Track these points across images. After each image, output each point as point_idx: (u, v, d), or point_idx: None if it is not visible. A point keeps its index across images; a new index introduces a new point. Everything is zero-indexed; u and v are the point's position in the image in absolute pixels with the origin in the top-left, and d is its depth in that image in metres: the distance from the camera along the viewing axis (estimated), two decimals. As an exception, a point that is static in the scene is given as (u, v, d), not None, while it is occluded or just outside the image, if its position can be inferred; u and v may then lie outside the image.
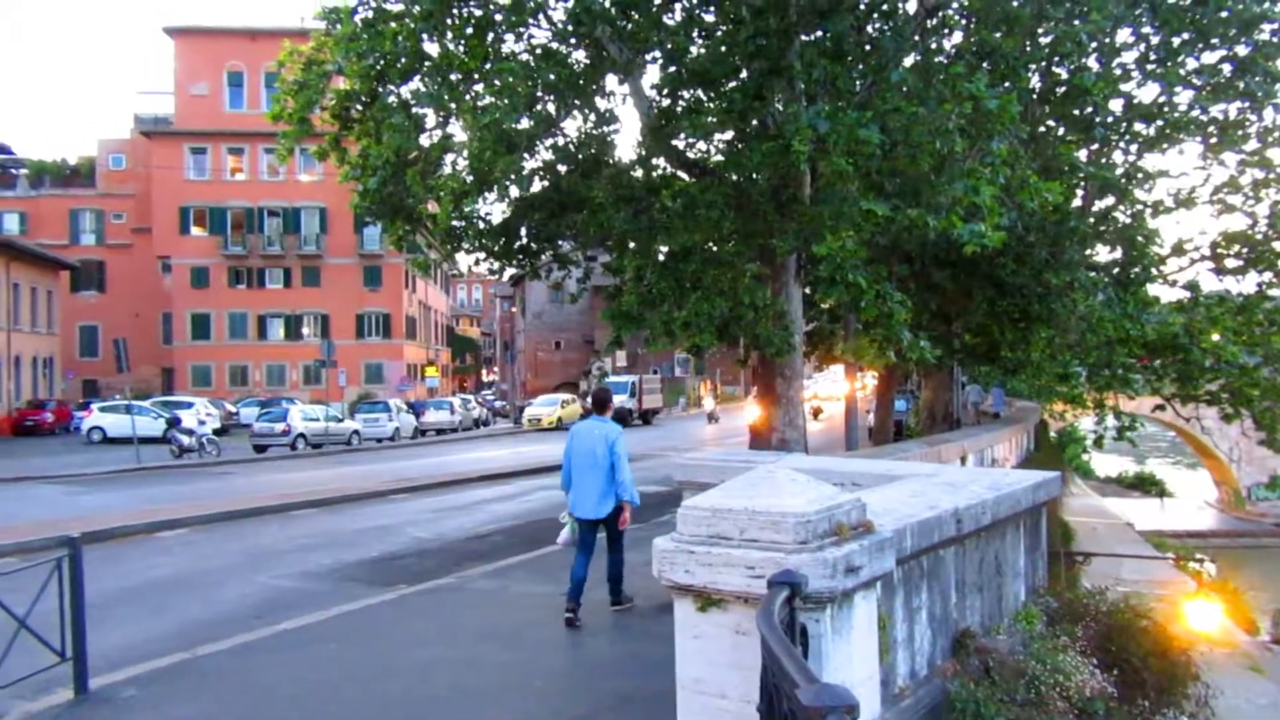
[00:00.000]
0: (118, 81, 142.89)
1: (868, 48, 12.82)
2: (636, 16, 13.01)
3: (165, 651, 7.65)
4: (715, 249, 14.44)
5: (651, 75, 14.12)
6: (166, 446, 30.70)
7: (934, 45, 13.78)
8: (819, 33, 12.37)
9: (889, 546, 4.13)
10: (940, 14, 13.37)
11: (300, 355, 55.07)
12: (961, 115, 11.05)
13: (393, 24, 13.80)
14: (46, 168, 64.84)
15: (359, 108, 15.17)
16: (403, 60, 13.84)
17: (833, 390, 32.47)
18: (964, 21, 14.07)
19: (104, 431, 38.53)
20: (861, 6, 12.91)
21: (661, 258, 14.54)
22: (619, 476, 8.30)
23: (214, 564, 12.36)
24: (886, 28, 12.87)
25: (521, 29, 14.13)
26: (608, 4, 12.63)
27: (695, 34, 13.60)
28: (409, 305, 61.84)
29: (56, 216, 62.13)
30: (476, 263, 17.20)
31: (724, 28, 13.57)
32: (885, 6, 13.12)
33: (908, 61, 12.78)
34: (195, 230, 57.40)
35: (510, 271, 18.24)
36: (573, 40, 14.01)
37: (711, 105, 13.85)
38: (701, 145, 15.38)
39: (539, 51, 14.24)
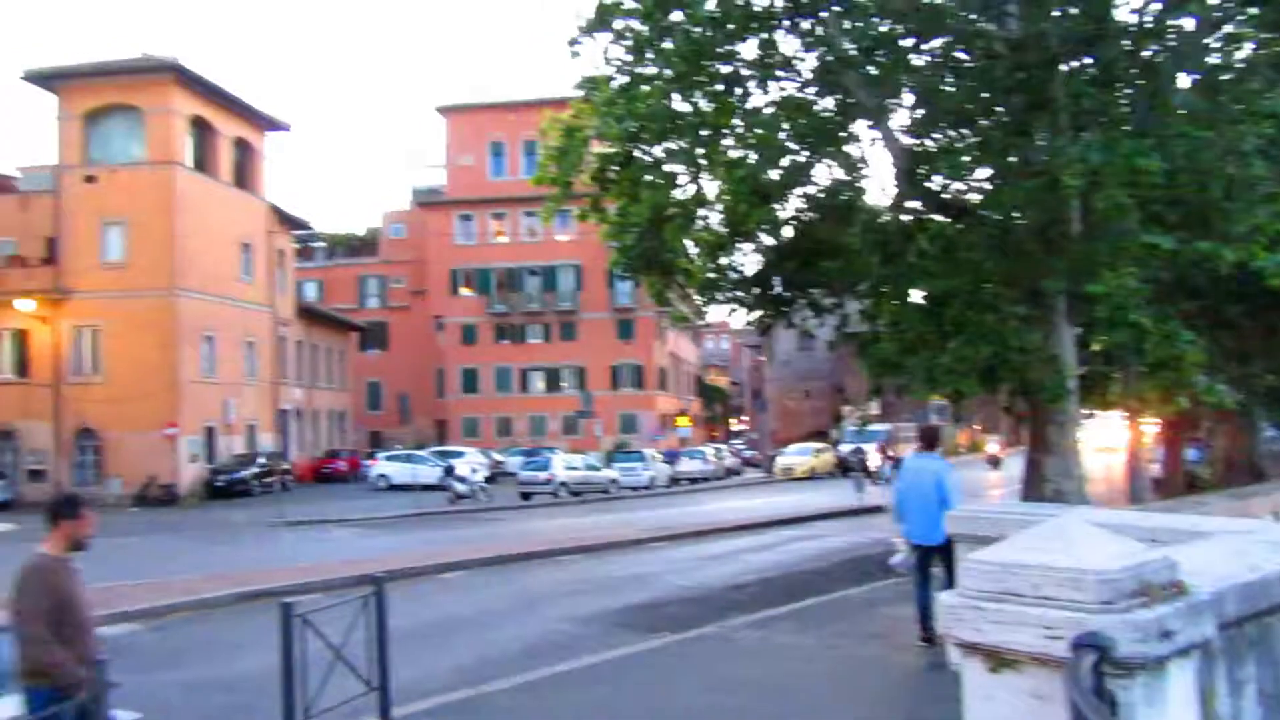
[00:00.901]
0: (397, 158, 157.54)
1: (1139, 71, 12.01)
2: (884, 61, 12.88)
3: (454, 686, 8.17)
4: (977, 292, 13.89)
5: (901, 118, 13.86)
6: (443, 493, 32.98)
7: (1219, 61, 12.70)
8: (1085, 60, 11.75)
9: (1207, 610, 3.77)
10: (1224, 28, 12.35)
11: (559, 406, 57.73)
12: (1260, 135, 10.09)
13: (645, 87, 14.41)
14: (339, 240, 72.59)
15: (616, 169, 15.88)
16: (656, 121, 14.38)
17: (1103, 438, 30.20)
18: (1257, 33, 12.89)
19: (388, 479, 41.99)
20: (1130, 30, 12.15)
21: (919, 302, 14.16)
22: (950, 507, 8.59)
23: (490, 605, 13.10)
24: (1161, 48, 12.02)
25: (770, 81, 14.34)
26: (855, 51, 12.60)
27: (947, 73, 13.28)
28: (660, 357, 63.48)
29: (347, 283, 68.99)
30: (731, 313, 17.45)
31: (977, 64, 13.17)
32: (1155, 26, 12.28)
33: (1186, 81, 11.86)
34: (464, 291, 61.99)
35: (756, 317, 18.35)
36: (820, 88, 14.06)
37: (968, 144, 13.43)
38: (958, 185, 14.92)
39: (787, 102, 14.39)
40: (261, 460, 41.42)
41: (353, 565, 15.94)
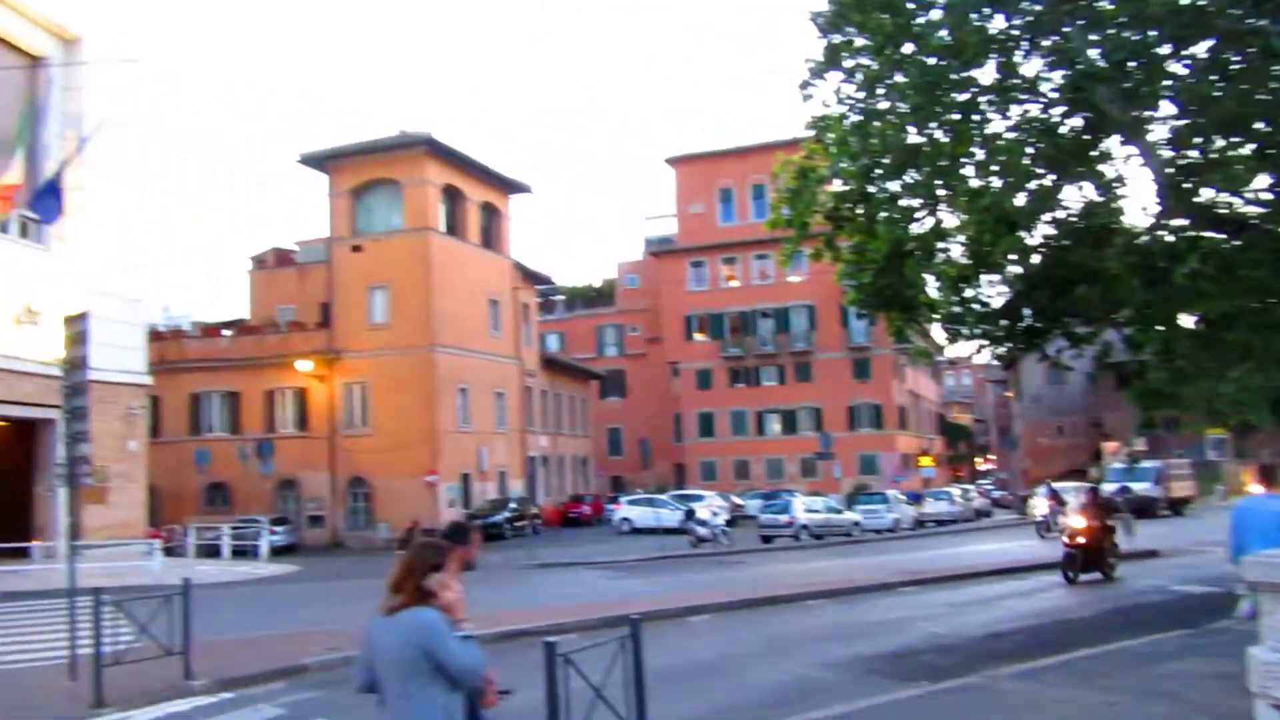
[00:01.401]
0: (630, 210, 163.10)
1: None
2: (1139, 71, 12.05)
3: (709, 731, 8.15)
4: (1266, 313, 12.60)
5: (1160, 130, 12.84)
6: (685, 537, 33.30)
7: None
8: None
9: None
10: None
11: (797, 449, 57.14)
12: None
13: (878, 123, 14.20)
14: (578, 292, 75.96)
15: (850, 206, 15.70)
16: (892, 155, 14.12)
17: None
18: None
19: (631, 523, 42.92)
20: None
21: (1192, 327, 13.01)
22: None
23: (738, 649, 13.03)
24: None
25: (1010, 105, 13.77)
26: (1105, 64, 11.88)
27: (1215, 78, 12.24)
28: (899, 395, 61.64)
29: (586, 334, 71.77)
30: (980, 350, 16.70)
31: (1250, 65, 12.06)
32: None
33: None
34: (698, 336, 62.89)
35: (1004, 350, 17.46)
36: (1066, 107, 13.34)
37: (1242, 153, 12.29)
38: (1232, 198, 13.66)
39: (1030, 125, 13.75)
40: (512, 505, 43.45)
41: (604, 607, 16.35)
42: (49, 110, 24.30)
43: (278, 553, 34.93)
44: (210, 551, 33.05)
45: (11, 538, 23.72)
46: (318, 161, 44.52)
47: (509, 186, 49.59)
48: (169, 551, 29.69)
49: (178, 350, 45.01)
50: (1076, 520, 19.19)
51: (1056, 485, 35.96)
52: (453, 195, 45.05)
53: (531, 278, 53.40)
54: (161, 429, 41.67)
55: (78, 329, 10.54)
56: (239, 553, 33.27)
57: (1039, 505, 35.66)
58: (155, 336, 39.04)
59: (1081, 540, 18.77)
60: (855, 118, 14.34)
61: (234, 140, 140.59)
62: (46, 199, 22.53)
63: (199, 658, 10.94)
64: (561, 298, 74.44)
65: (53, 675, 11.36)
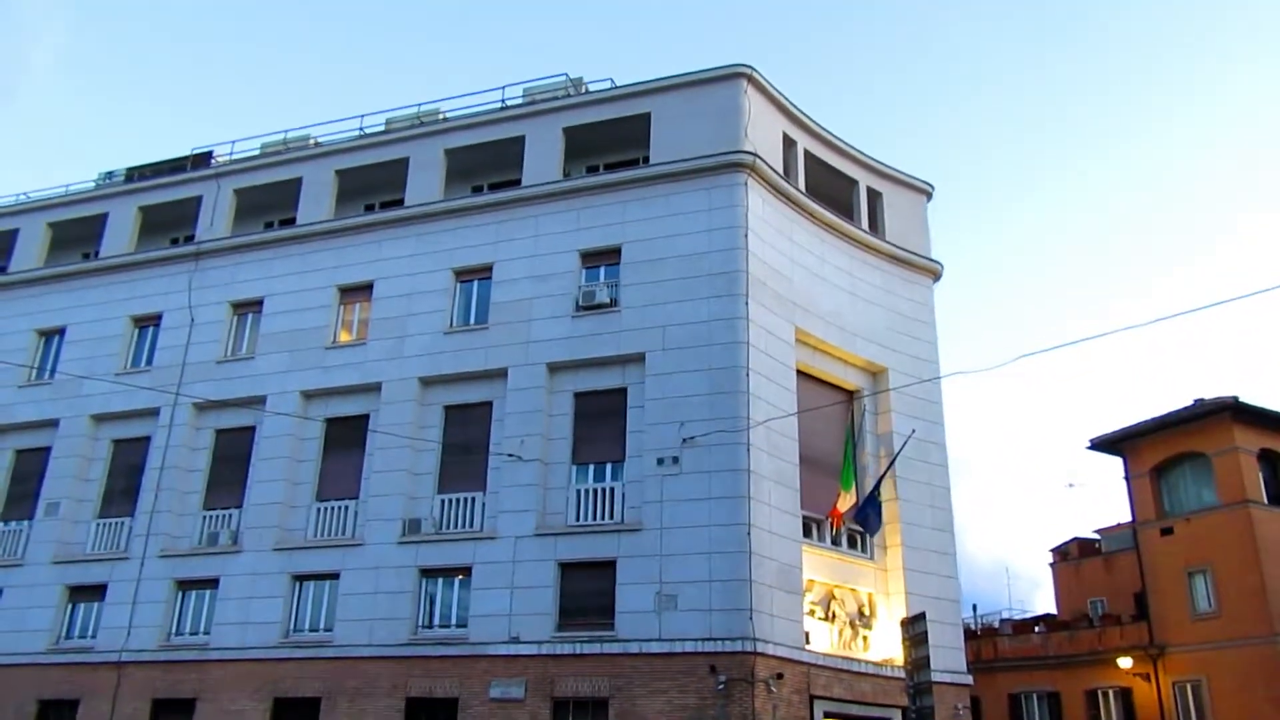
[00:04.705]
0: None
1: None
2: None
3: None
4: None
5: None
6: None
7: None
8: None
9: None
10: None
11: None
12: None
13: None
14: None
15: None
16: None
17: None
18: None
19: None
20: None
21: None
22: None
23: None
24: None
25: None
26: None
27: None
28: None
29: None
30: None
31: None
32: None
33: None
34: None
35: None
36: None
37: None
38: None
39: None
40: None
41: None
42: (864, 434, 28.02)
43: None
44: None
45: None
46: (1109, 445, 43.21)
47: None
48: None
49: (991, 649, 45.25)
50: None
51: None
52: (1272, 460, 39.64)
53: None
54: (986, 730, 41.44)
55: (917, 630, 11.37)
56: None
57: None
58: (968, 635, 39.95)
59: None
60: None
61: (1022, 432, 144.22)
62: (868, 512, 25.49)
63: None
64: None
65: None
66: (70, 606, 28.71)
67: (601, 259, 27.02)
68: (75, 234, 34.75)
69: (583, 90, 30.37)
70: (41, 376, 32.13)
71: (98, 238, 33.78)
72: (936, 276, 31.75)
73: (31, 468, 31.07)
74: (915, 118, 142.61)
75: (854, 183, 31.08)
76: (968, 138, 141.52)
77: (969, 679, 27.52)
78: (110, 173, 35.83)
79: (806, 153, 29.67)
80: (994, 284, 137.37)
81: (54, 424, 31.01)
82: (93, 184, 35.60)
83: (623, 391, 25.61)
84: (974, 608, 50.94)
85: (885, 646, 25.83)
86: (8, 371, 31.70)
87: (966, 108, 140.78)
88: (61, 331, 32.52)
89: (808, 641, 23.95)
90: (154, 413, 29.90)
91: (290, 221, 31.54)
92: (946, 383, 30.88)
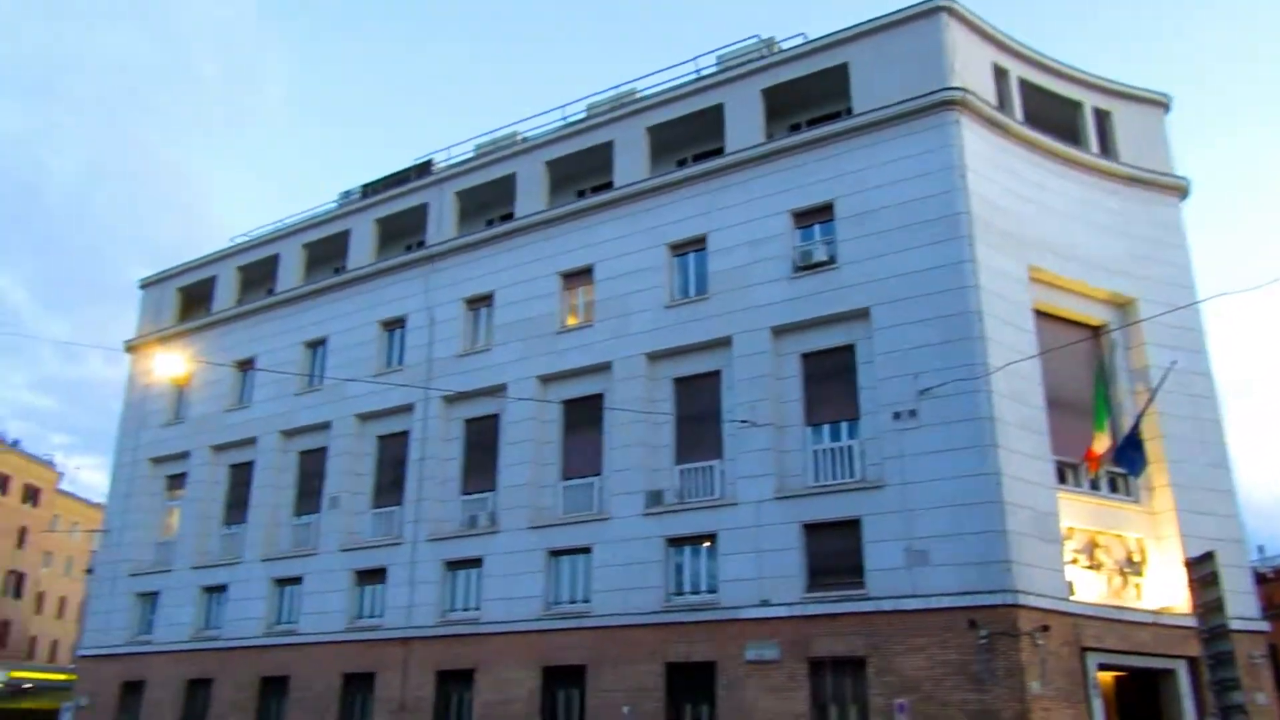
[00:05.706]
0: None
1: None
2: None
3: None
4: None
5: None
6: None
7: None
8: None
9: None
10: None
11: None
12: None
13: None
14: None
15: None
16: None
17: None
18: None
19: None
20: None
21: None
22: None
23: None
24: None
25: None
26: None
27: None
28: None
29: None
30: None
31: None
32: None
33: None
34: None
35: None
36: None
37: None
38: None
39: None
40: None
41: None
42: (1116, 371, 26.18)
43: None
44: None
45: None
46: None
47: None
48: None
49: (1284, 592, 41.25)
50: None
51: None
52: None
53: None
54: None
55: (1205, 571, 10.57)
56: None
57: None
58: (1258, 579, 36.62)
59: None
60: None
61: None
62: (1129, 453, 23.87)
63: None
64: None
65: None
66: (359, 589, 31.50)
67: (814, 217, 26.62)
68: (325, 251, 37.77)
69: (775, 50, 29.90)
70: (312, 384, 35.28)
71: (344, 252, 36.60)
72: (1184, 194, 29.08)
73: (314, 466, 34.25)
74: (1142, 28, 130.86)
75: (1078, 105, 28.97)
76: (1208, 43, 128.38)
77: (1265, 624, 25.31)
78: (348, 191, 38.63)
79: (1021, 80, 27.95)
80: (1246, 197, 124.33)
81: (327, 426, 33.99)
82: (335, 203, 38.56)
83: (850, 349, 25.22)
84: (1259, 549, 46.63)
85: (1161, 594, 24.19)
86: (286, 382, 35.08)
87: (1200, 14, 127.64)
88: (324, 341, 35.53)
89: (1072, 592, 22.81)
90: (409, 408, 32.18)
91: (509, 216, 32.94)
92: (1208, 307, 28.29)
